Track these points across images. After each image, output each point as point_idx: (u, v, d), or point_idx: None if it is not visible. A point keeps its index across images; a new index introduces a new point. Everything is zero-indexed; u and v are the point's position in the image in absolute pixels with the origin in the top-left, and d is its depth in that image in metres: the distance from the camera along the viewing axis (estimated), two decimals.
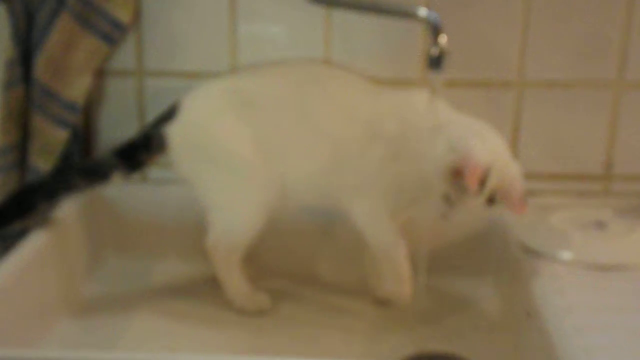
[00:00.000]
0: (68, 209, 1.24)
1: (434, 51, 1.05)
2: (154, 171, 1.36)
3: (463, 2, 1.27)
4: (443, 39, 1.04)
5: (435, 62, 1.05)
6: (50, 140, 1.28)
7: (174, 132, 1.18)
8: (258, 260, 1.30)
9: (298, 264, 1.35)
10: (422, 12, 1.07)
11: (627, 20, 1.26)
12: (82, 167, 1.19)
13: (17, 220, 1.16)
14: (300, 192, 1.18)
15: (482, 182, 1.06)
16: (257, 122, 1.16)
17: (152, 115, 1.26)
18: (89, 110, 1.36)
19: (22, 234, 1.23)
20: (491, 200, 1.10)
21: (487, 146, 1.09)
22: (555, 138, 1.33)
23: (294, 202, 1.19)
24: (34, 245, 1.15)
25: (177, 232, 1.34)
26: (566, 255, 1.12)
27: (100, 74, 1.34)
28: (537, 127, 1.32)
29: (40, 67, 1.26)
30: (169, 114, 1.20)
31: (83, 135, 1.34)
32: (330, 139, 1.16)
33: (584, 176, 1.34)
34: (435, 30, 1.05)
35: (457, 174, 1.06)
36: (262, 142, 1.16)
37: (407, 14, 1.10)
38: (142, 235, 1.37)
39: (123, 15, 1.28)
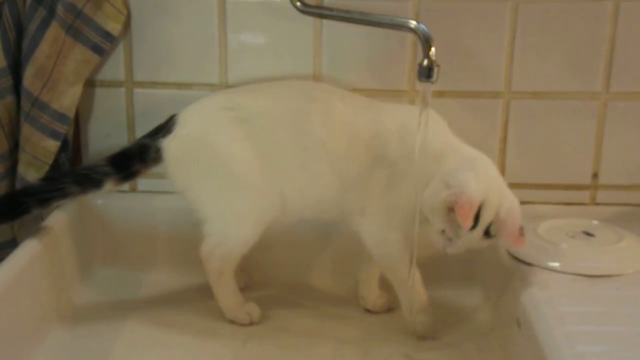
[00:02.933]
0: (58, 219, 1.25)
1: (424, 62, 1.06)
2: (143, 181, 1.36)
3: (452, 14, 1.27)
4: (433, 51, 1.05)
5: (426, 72, 1.06)
6: (40, 151, 1.28)
7: (171, 145, 1.18)
8: (251, 269, 1.32)
9: (291, 273, 1.35)
10: (412, 24, 1.08)
11: (613, 32, 1.27)
12: (76, 173, 1.18)
13: (9, 221, 1.17)
14: (299, 208, 1.19)
15: (477, 218, 1.05)
16: (255, 138, 1.16)
17: (141, 125, 1.28)
18: (79, 120, 1.36)
19: (12, 244, 1.22)
20: (487, 234, 1.08)
21: (481, 180, 1.07)
22: (543, 148, 1.33)
23: (292, 217, 1.20)
24: (25, 255, 1.15)
25: (166, 242, 1.34)
26: (555, 264, 1.13)
27: (90, 85, 1.34)
28: (525, 138, 1.33)
29: (30, 78, 1.25)
30: (165, 127, 1.20)
31: (72, 145, 1.34)
32: (331, 157, 1.16)
33: (571, 186, 1.35)
34: (425, 41, 1.06)
35: (451, 210, 1.05)
36: (259, 158, 1.16)
37: (398, 26, 1.12)
38: (132, 245, 1.36)
39: (113, 26, 1.28)
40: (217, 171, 1.17)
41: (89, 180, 1.16)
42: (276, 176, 1.16)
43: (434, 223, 1.09)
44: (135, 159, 1.19)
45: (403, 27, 1.10)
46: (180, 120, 1.19)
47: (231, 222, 1.19)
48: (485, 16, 1.28)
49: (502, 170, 1.34)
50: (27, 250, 1.16)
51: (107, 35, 1.28)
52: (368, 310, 1.26)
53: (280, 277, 1.35)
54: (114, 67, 1.33)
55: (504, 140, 1.33)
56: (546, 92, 1.31)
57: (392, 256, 1.17)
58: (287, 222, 1.20)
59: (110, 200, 1.33)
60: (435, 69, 1.06)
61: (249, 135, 1.16)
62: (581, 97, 1.31)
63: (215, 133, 1.18)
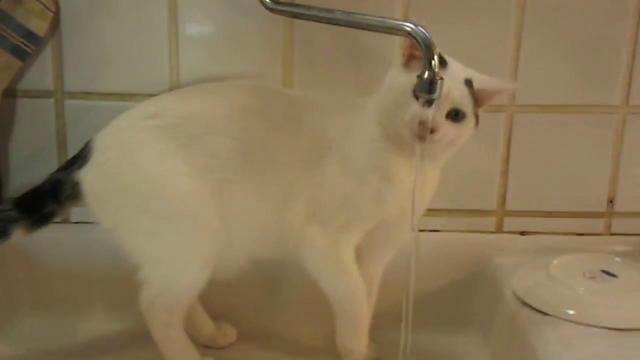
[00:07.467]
0: None
1: (425, 74, 0.93)
2: (77, 211, 1.24)
3: (446, 13, 1.20)
4: (435, 60, 0.93)
5: (426, 87, 0.94)
6: None
7: (88, 177, 1.08)
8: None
9: (257, 318, 1.28)
10: (409, 27, 0.96)
11: (635, 35, 1.21)
12: None
13: None
14: (249, 239, 1.10)
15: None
16: (188, 148, 1.07)
17: (74, 144, 1.17)
18: None
19: None
20: (469, 84, 1.00)
21: None
22: (551, 170, 1.28)
23: (241, 253, 1.11)
24: None
25: (105, 282, 1.26)
26: (570, 312, 1.04)
27: (11, 95, 1.25)
28: (530, 158, 1.27)
29: None
30: (81, 155, 1.10)
31: None
32: (278, 169, 1.09)
33: (583, 214, 1.29)
34: (426, 49, 0.93)
35: (408, 59, 1.01)
36: (196, 173, 1.07)
37: (391, 30, 1.01)
38: (64, 287, 1.28)
39: (38, 25, 1.19)
40: (147, 200, 1.07)
41: None
42: (218, 199, 1.08)
43: (401, 103, 1.00)
44: (47, 199, 1.10)
45: (397, 30, 0.97)
46: (96, 145, 1.10)
47: (172, 265, 1.09)
48: (486, 16, 1.21)
49: (504, 195, 1.29)
50: None
51: (31, 36, 1.20)
52: None
53: (244, 323, 1.26)
54: (40, 74, 1.25)
55: (507, 160, 1.27)
56: (555, 105, 1.25)
57: (339, 265, 1.09)
58: (235, 260, 1.11)
59: (38, 234, 1.17)
60: (439, 83, 0.94)
61: (181, 146, 1.07)
62: (596, 110, 1.25)
63: (139, 151, 1.08)
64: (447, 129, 0.99)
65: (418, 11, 1.19)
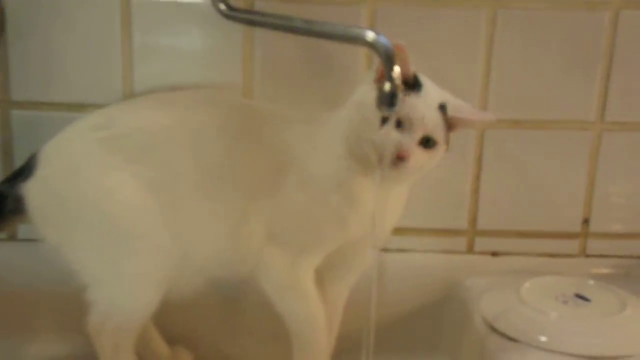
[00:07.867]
0: None
1: (386, 87, 0.89)
2: (24, 228, 1.21)
3: (414, 24, 1.18)
4: (396, 71, 0.89)
5: (388, 100, 0.89)
6: None
7: (32, 191, 1.04)
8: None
9: (219, 342, 1.24)
10: (370, 36, 0.91)
11: (611, 48, 1.18)
12: None
13: None
14: (204, 258, 1.06)
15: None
16: (138, 162, 1.04)
17: (21, 159, 1.11)
18: None
19: None
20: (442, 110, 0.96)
21: None
22: (523, 189, 1.25)
23: (196, 272, 1.07)
24: None
25: (54, 303, 1.20)
26: (541, 339, 1.01)
27: None
28: (502, 177, 1.24)
29: None
30: (26, 168, 1.06)
31: None
32: (236, 185, 1.05)
33: (557, 234, 1.26)
34: (387, 60, 0.89)
35: (381, 75, 0.95)
36: (146, 189, 1.04)
37: (351, 39, 0.96)
38: (8, 308, 1.22)
39: None
40: (93, 217, 1.03)
41: None
42: (173, 216, 1.04)
43: (370, 121, 0.95)
44: None
45: (358, 39, 0.93)
46: (42, 157, 1.05)
47: (121, 284, 1.05)
48: (456, 27, 1.18)
49: (475, 214, 1.25)
50: None
51: None
52: None
53: (201, 347, 1.22)
54: None
55: (477, 178, 1.24)
56: (528, 121, 1.21)
57: (298, 288, 1.06)
58: (190, 280, 1.07)
59: None
60: (400, 95, 0.90)
61: (130, 159, 1.04)
62: (571, 126, 1.22)
63: (85, 164, 1.04)
64: (419, 156, 0.96)
65: (385, 22, 1.16)
